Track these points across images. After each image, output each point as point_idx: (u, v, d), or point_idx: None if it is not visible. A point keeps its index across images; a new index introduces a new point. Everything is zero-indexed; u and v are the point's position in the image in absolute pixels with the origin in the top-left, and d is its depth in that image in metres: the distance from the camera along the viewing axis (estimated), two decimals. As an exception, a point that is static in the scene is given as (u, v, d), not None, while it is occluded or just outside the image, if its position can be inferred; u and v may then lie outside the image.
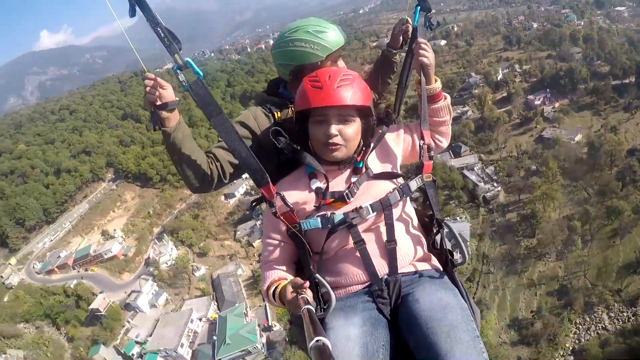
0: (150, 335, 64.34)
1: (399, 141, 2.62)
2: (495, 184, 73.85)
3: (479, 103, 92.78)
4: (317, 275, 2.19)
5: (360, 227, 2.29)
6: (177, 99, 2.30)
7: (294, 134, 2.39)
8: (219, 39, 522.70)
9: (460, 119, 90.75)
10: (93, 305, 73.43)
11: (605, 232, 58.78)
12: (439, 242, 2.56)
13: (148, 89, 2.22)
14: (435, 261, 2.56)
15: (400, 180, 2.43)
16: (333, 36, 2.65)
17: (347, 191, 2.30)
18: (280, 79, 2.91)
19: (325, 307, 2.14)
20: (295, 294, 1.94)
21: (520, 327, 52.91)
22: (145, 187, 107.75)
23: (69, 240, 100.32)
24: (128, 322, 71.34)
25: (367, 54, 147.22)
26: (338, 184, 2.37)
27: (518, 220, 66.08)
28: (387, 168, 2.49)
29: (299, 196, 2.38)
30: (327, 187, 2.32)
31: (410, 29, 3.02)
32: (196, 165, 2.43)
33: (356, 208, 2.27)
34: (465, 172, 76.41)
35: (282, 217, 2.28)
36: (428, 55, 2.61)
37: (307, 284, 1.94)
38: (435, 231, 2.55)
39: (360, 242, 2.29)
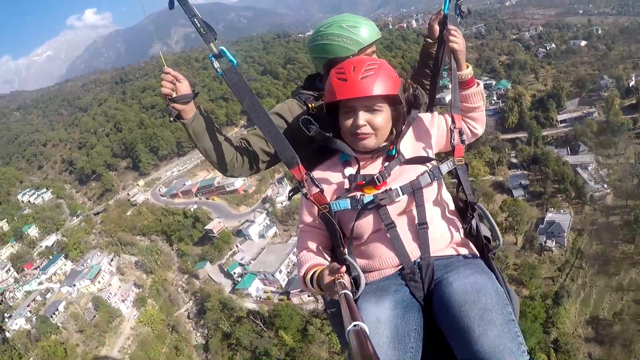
0: (254, 260, 70.15)
1: (432, 127, 2.61)
2: (605, 186, 72.19)
3: (605, 106, 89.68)
4: (348, 257, 2.20)
5: (391, 210, 2.30)
6: (192, 92, 2.39)
7: (327, 124, 2.42)
8: (363, 13, 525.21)
9: (583, 119, 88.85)
10: (208, 227, 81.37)
11: None
12: (475, 227, 2.55)
13: (164, 82, 2.34)
14: (472, 246, 2.54)
15: (433, 163, 2.44)
16: (365, 31, 2.75)
17: (378, 175, 2.29)
18: (318, 74, 3.01)
19: (355, 290, 2.11)
20: (332, 279, 1.93)
21: (598, 326, 52.35)
22: None
23: (195, 173, 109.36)
24: (236, 246, 78.10)
25: (506, 45, 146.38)
26: (371, 170, 2.38)
27: (621, 224, 64.40)
28: (420, 152, 2.49)
29: (332, 182, 2.43)
30: (358, 170, 2.33)
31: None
32: (218, 154, 2.53)
33: (386, 190, 2.28)
34: (579, 169, 75.39)
35: (312, 198, 2.32)
36: (458, 42, 2.68)
37: (344, 268, 1.94)
38: (470, 216, 2.54)
39: (390, 224, 2.30)
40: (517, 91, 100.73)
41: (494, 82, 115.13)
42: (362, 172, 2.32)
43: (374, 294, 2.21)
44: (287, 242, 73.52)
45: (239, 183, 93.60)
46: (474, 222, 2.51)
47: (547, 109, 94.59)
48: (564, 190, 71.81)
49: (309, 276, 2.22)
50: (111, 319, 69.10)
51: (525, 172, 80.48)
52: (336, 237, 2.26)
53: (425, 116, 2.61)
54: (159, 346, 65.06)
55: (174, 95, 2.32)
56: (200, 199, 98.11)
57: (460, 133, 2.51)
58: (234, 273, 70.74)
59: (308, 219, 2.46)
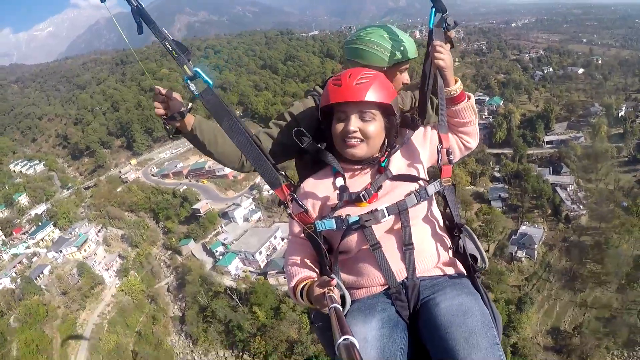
0: (237, 240, 73.81)
1: (425, 142, 2.62)
2: (581, 207, 75.76)
3: (592, 132, 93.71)
4: (333, 275, 2.16)
5: (377, 230, 2.31)
6: (186, 107, 2.41)
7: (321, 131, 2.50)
8: (369, 20, 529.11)
9: (569, 142, 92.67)
10: (195, 206, 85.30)
11: None
12: (462, 246, 2.56)
13: (155, 103, 2.36)
14: (459, 266, 2.56)
15: (421, 183, 2.43)
16: (404, 48, 2.78)
17: (363, 192, 2.33)
18: None
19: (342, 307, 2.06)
20: (322, 292, 1.97)
21: (558, 337, 55.13)
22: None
23: (187, 157, 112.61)
24: (221, 227, 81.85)
25: (505, 64, 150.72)
26: (360, 183, 2.41)
27: (591, 244, 66.79)
28: (410, 169, 2.50)
29: (322, 194, 2.46)
30: (345, 187, 2.37)
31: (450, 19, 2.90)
32: (225, 157, 2.64)
33: (371, 210, 2.28)
34: (558, 189, 79.13)
35: (296, 218, 2.32)
36: (444, 57, 2.58)
37: (335, 281, 1.95)
38: (457, 236, 2.55)
39: (376, 245, 2.31)
40: (508, 109, 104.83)
41: (487, 98, 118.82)
42: (351, 183, 2.41)
43: (361, 312, 2.27)
44: (270, 227, 77.07)
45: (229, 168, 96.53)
46: (461, 242, 2.55)
47: (535, 129, 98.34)
48: (541, 206, 75.47)
49: (299, 289, 2.23)
50: (94, 285, 72.58)
51: (505, 186, 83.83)
52: (321, 255, 2.30)
53: (418, 131, 2.63)
54: (137, 315, 68.57)
55: (169, 114, 2.36)
56: (190, 180, 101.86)
57: (448, 153, 2.51)
58: (216, 251, 74.31)
59: (297, 230, 2.47)
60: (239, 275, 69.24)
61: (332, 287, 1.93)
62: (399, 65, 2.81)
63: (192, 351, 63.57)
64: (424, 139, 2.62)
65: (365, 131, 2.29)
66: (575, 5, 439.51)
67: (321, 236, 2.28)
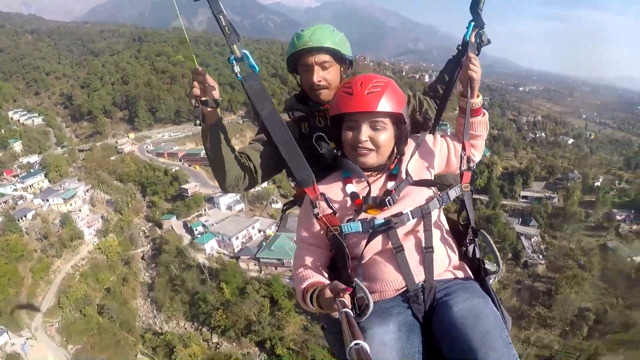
0: (217, 224, 77.76)
1: (435, 149, 2.68)
2: (541, 257, 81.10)
3: (566, 195, 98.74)
4: (356, 279, 2.19)
5: (399, 233, 2.32)
6: (220, 98, 2.37)
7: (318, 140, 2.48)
8: (385, 55, 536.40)
9: (542, 200, 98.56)
10: (184, 186, 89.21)
11: (616, 337, 63.20)
12: (471, 251, 2.61)
13: (195, 82, 2.26)
14: (467, 269, 2.58)
15: (437, 188, 2.51)
16: (308, 33, 2.72)
17: (389, 197, 2.33)
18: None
19: (360, 311, 2.12)
20: (332, 298, 1.94)
21: None
22: None
23: (184, 142, 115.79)
24: (204, 210, 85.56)
25: (501, 122, 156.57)
26: (373, 189, 2.41)
27: (543, 291, 72.06)
28: (424, 175, 2.54)
29: (336, 200, 2.45)
30: (369, 192, 2.36)
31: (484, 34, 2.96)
32: (229, 166, 2.52)
33: (397, 214, 2.29)
34: (523, 238, 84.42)
35: (323, 219, 2.33)
36: (476, 70, 2.66)
37: (350, 290, 1.91)
38: (469, 240, 2.59)
39: (399, 248, 2.31)
40: (492, 159, 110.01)
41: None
42: (364, 188, 2.41)
43: (377, 315, 2.22)
44: (251, 218, 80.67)
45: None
46: (470, 246, 2.61)
47: (513, 183, 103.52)
48: (502, 249, 79.76)
49: (309, 294, 2.22)
50: (73, 237, 76.23)
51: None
52: (344, 258, 2.27)
53: (428, 138, 2.70)
54: (109, 273, 72.45)
55: (203, 98, 2.29)
56: (183, 163, 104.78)
57: (468, 160, 2.60)
58: (196, 230, 77.80)
59: (306, 236, 2.47)
60: (213, 255, 72.88)
61: (344, 293, 1.89)
62: (298, 60, 2.82)
63: (154, 317, 67.26)
64: (435, 146, 2.70)
65: (376, 140, 2.34)
66: (585, 82, 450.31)
67: (346, 239, 2.30)
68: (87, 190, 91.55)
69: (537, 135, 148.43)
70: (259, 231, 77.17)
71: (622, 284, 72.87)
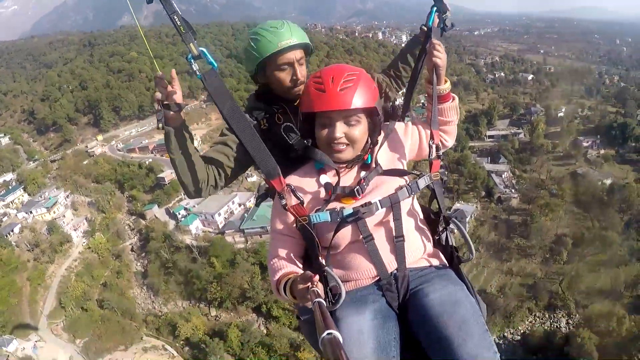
0: (198, 205, 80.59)
1: (406, 138, 2.70)
2: (513, 191, 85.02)
3: (531, 129, 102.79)
4: (327, 268, 2.24)
5: (369, 223, 2.36)
6: (184, 103, 2.39)
7: (281, 138, 2.64)
8: (335, 20, 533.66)
9: (508, 137, 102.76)
10: (160, 175, 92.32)
11: (595, 259, 67.16)
12: (444, 238, 2.68)
13: (159, 87, 2.33)
14: (442, 257, 2.66)
15: (409, 177, 2.50)
16: (286, 31, 2.73)
17: (357, 187, 2.36)
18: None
19: (334, 300, 2.18)
20: (305, 288, 1.95)
21: (484, 297, 61.07)
22: None
23: (153, 135, 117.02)
24: (183, 194, 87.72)
25: (459, 67, 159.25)
26: (347, 179, 2.46)
27: (519, 222, 76.17)
28: (396, 164, 2.57)
29: (308, 190, 2.48)
30: (338, 182, 2.40)
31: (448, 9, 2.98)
32: (194, 170, 2.54)
33: (365, 203, 2.32)
34: (493, 175, 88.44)
35: (291, 210, 2.34)
36: (441, 57, 2.67)
37: (317, 277, 1.93)
38: (441, 228, 2.66)
39: (368, 237, 2.36)
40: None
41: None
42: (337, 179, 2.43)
43: (353, 304, 2.32)
44: (230, 194, 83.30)
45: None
46: (443, 234, 2.68)
47: (478, 124, 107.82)
48: (475, 188, 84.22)
49: (282, 284, 2.26)
50: (62, 242, 79.23)
51: (445, 171, 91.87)
52: (314, 248, 2.33)
53: (399, 126, 2.72)
54: (102, 269, 75.69)
55: (166, 101, 2.33)
56: (155, 155, 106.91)
57: (437, 149, 2.62)
58: (179, 214, 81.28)
59: (280, 226, 2.52)
60: (199, 234, 76.44)
61: (315, 282, 1.92)
62: (273, 59, 2.76)
63: (152, 302, 70.91)
64: (405, 134, 2.73)
65: (351, 135, 2.35)
66: (540, 18, 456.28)
67: (315, 228, 2.34)
68: (67, 196, 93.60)
69: (497, 76, 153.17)
70: (239, 205, 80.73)
71: (596, 207, 76.83)
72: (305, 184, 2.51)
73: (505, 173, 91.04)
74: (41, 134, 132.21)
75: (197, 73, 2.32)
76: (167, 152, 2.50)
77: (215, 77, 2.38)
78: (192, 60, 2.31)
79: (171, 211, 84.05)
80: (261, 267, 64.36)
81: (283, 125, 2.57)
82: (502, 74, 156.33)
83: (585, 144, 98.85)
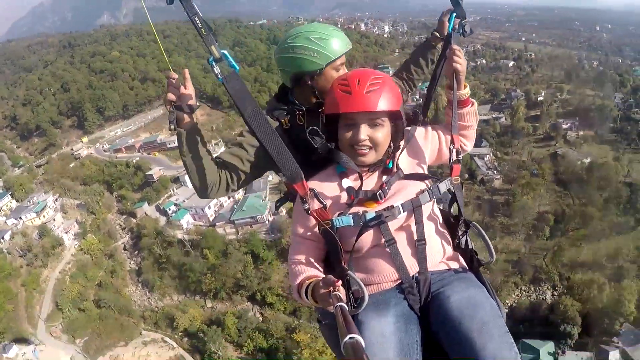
0: (188, 199, 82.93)
1: (427, 143, 2.74)
2: (495, 172, 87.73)
3: (512, 113, 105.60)
4: (350, 272, 2.26)
5: (391, 226, 2.38)
6: (197, 104, 2.42)
7: (301, 138, 2.56)
8: (318, 12, 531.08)
9: (490, 122, 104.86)
10: (148, 173, 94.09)
11: (577, 234, 70.51)
12: (464, 242, 2.73)
13: (170, 87, 2.37)
14: (462, 260, 2.69)
15: (430, 181, 2.53)
16: (335, 44, 2.69)
17: (380, 191, 2.37)
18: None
19: (356, 304, 2.21)
20: (327, 292, 1.96)
21: None
22: (215, 108, 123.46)
23: (138, 134, 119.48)
24: (173, 190, 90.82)
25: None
26: (369, 183, 2.47)
27: (502, 202, 79.02)
28: (417, 168, 2.59)
29: (330, 194, 2.49)
30: (361, 186, 2.40)
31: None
32: (205, 172, 2.56)
33: (388, 207, 2.34)
34: (476, 158, 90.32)
35: (314, 214, 2.35)
36: (461, 62, 2.73)
37: (340, 282, 1.94)
38: (461, 232, 2.69)
39: (391, 241, 2.38)
40: (436, 93, 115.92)
41: (420, 84, 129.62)
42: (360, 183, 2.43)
43: (375, 307, 2.33)
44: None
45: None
46: (463, 238, 2.73)
47: (447, 120, 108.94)
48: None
49: (303, 288, 2.28)
50: (54, 245, 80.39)
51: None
52: (337, 252, 2.32)
53: (419, 131, 2.74)
54: (96, 270, 77.28)
55: (178, 103, 2.37)
56: (142, 153, 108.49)
57: (457, 153, 2.66)
58: (169, 209, 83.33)
59: (301, 231, 2.53)
60: (190, 228, 78.41)
61: (337, 286, 1.92)
62: (334, 63, 2.74)
63: (148, 298, 72.95)
64: (425, 139, 2.77)
65: (375, 138, 2.35)
66: (520, 7, 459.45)
67: (338, 233, 2.33)
68: (56, 200, 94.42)
69: (478, 63, 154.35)
70: (228, 197, 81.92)
71: (576, 185, 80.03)
72: (327, 188, 2.53)
73: (488, 156, 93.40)
74: (25, 139, 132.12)
75: (219, 76, 2.34)
76: (180, 153, 2.55)
77: (237, 79, 2.39)
78: (213, 63, 2.34)
79: (161, 207, 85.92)
80: (253, 256, 66.67)
81: (309, 129, 2.48)
82: (484, 61, 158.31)
83: (564, 126, 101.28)
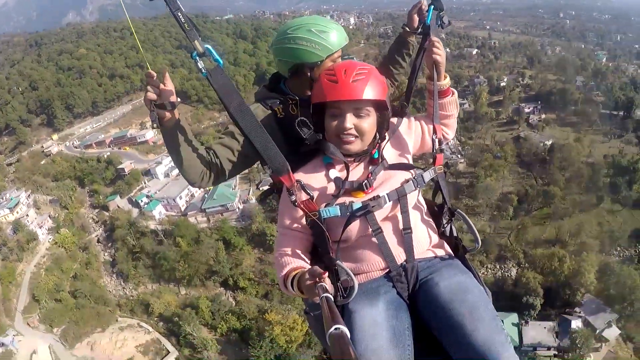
0: (159, 191, 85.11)
1: (410, 132, 2.79)
2: (459, 156, 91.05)
3: (475, 99, 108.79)
4: (338, 262, 2.29)
5: (378, 216, 2.40)
6: (177, 99, 2.37)
7: (294, 128, 2.51)
8: (284, 5, 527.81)
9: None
10: (119, 167, 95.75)
11: (540, 213, 73.92)
12: (449, 230, 2.80)
13: (150, 87, 2.28)
14: (447, 247, 2.76)
15: (414, 171, 2.55)
16: (335, 37, 2.74)
17: (365, 181, 2.40)
18: (281, 75, 3.00)
19: (346, 294, 2.24)
20: (313, 283, 1.97)
21: None
22: (183, 102, 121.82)
23: (108, 130, 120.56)
24: (144, 182, 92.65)
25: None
26: (355, 174, 2.49)
27: (467, 185, 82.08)
28: (401, 159, 2.64)
29: (317, 185, 2.50)
30: (347, 176, 2.43)
31: (425, 7, 3.11)
32: (194, 164, 2.58)
33: (374, 197, 2.37)
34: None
35: (302, 205, 2.37)
36: (441, 53, 2.78)
37: (327, 273, 1.94)
38: (446, 220, 2.77)
39: (377, 230, 2.41)
40: (401, 81, 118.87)
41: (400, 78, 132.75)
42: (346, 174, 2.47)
43: (365, 296, 2.35)
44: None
45: (149, 135, 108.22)
46: (448, 226, 2.81)
47: (424, 97, 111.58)
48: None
49: (289, 279, 2.27)
50: (29, 240, 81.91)
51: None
52: (325, 243, 2.36)
53: (403, 122, 2.80)
54: (71, 263, 78.79)
55: (159, 101, 2.30)
56: (113, 148, 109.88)
57: (440, 142, 2.70)
58: (141, 201, 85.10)
59: (288, 222, 2.53)
60: (162, 218, 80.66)
61: (323, 277, 1.92)
62: (333, 56, 2.80)
63: (123, 288, 74.81)
64: (409, 129, 2.82)
65: (360, 127, 2.37)
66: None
67: (325, 223, 2.37)
68: (29, 196, 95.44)
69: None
70: (199, 187, 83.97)
71: (538, 166, 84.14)
72: (314, 179, 2.55)
73: (452, 141, 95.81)
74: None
75: (203, 70, 2.34)
76: (167, 150, 2.59)
77: (222, 74, 2.40)
78: (197, 58, 2.32)
79: (133, 200, 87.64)
80: (225, 243, 68.90)
81: (297, 120, 2.49)
82: (448, 50, 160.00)
83: (527, 110, 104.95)
